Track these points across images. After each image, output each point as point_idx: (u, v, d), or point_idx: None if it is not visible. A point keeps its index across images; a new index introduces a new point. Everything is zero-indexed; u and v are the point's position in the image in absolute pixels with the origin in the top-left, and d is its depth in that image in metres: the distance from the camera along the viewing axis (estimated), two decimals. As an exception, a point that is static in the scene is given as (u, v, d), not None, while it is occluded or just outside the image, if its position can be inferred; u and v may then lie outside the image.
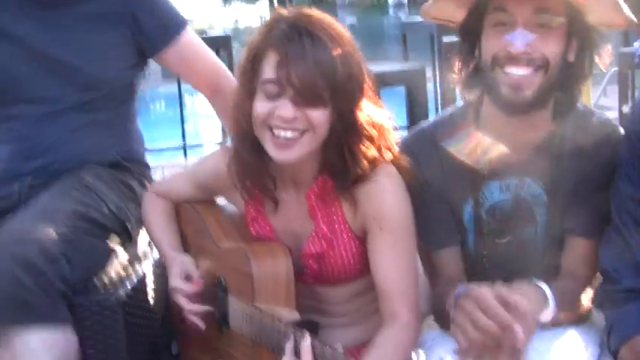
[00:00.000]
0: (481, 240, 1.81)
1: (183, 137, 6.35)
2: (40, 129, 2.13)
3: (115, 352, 1.90)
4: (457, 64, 1.76)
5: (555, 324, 1.63)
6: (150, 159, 2.44)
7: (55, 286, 1.79)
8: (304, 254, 1.74)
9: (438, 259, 1.83)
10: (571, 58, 1.68)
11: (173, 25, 2.26)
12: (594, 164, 1.72)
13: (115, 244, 2.07)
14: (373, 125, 1.66)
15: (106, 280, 1.93)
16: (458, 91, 1.81)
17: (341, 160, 1.65)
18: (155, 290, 2.08)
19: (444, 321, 1.69)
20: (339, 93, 1.57)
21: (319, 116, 1.58)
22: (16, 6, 2.13)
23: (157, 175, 2.56)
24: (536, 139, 1.75)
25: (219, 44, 5.85)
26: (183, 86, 5.89)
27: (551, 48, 1.62)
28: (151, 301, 2.06)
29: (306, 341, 1.50)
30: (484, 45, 1.68)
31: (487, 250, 1.81)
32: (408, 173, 1.72)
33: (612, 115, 4.77)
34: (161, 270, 2.02)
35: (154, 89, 8.02)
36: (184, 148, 6.34)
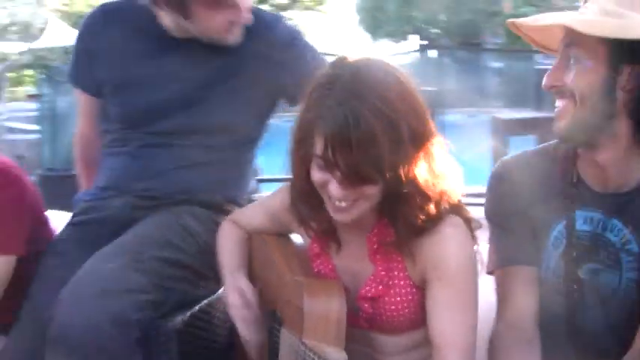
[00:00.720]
0: (563, 263, 1.75)
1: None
2: (154, 155, 2.22)
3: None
4: None
5: None
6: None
7: (136, 335, 1.83)
8: (360, 296, 1.72)
9: (510, 277, 1.77)
10: (628, 86, 1.58)
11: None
12: None
13: (203, 288, 2.11)
14: (433, 183, 1.62)
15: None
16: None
17: (399, 213, 1.63)
18: (219, 320, 2.09)
19: None
20: (389, 170, 1.54)
21: (369, 189, 1.57)
22: (157, 45, 2.22)
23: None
24: (634, 179, 1.68)
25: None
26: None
27: (577, 79, 1.59)
28: (213, 331, 2.08)
29: None
30: None
31: (566, 275, 1.74)
32: (470, 222, 1.68)
33: None
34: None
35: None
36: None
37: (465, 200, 1.70)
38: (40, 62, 12.07)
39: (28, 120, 11.46)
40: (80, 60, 2.35)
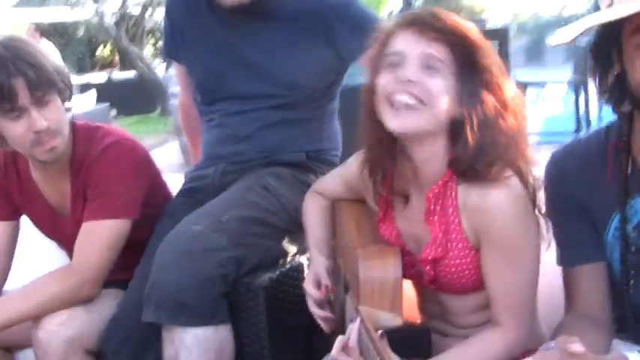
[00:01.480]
0: (627, 258, 1.68)
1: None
2: (237, 120, 2.36)
3: (257, 333, 2.04)
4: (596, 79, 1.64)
5: None
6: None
7: (219, 289, 1.98)
8: (421, 259, 1.74)
9: (576, 276, 1.74)
10: None
11: (368, 30, 2.32)
12: None
13: (288, 243, 2.22)
14: (511, 116, 1.63)
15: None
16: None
17: (470, 154, 1.62)
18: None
19: None
20: (464, 65, 1.58)
21: (438, 86, 1.59)
22: (220, 14, 2.34)
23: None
24: None
25: (496, 36, 5.79)
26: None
27: None
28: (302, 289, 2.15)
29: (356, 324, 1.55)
30: (630, 68, 1.52)
31: (634, 270, 1.68)
32: (533, 187, 1.67)
33: None
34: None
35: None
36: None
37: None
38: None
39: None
40: (167, 33, 2.53)
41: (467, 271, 1.70)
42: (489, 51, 1.63)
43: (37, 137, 2.09)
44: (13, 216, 2.38)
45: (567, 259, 1.76)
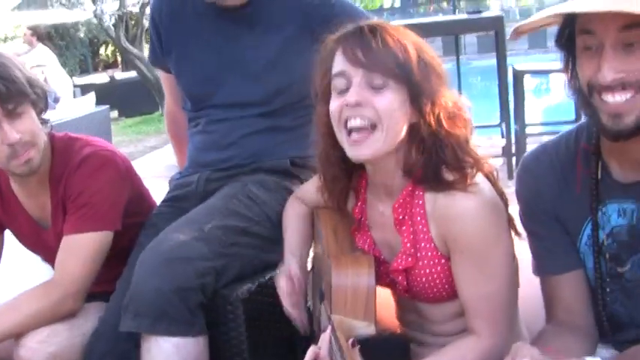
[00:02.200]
0: (601, 266, 1.66)
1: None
2: (223, 127, 2.34)
3: (238, 345, 2.03)
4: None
5: None
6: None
7: (197, 299, 1.96)
8: (393, 269, 1.72)
9: (554, 286, 1.71)
10: None
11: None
12: None
13: (271, 252, 2.16)
14: (461, 121, 1.63)
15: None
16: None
17: (425, 165, 1.62)
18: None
19: None
20: (412, 74, 1.57)
21: (386, 103, 1.57)
22: (211, 21, 2.32)
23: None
24: None
25: (491, 26, 5.74)
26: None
27: None
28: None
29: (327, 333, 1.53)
30: (578, 69, 1.50)
31: (609, 278, 1.66)
32: (501, 191, 1.66)
33: None
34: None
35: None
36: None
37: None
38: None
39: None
40: (153, 40, 2.51)
41: (438, 280, 1.68)
42: (430, 60, 1.61)
43: (12, 150, 2.08)
44: None
45: (544, 268, 1.73)
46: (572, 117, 6.39)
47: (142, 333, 1.94)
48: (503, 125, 5.91)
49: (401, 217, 1.69)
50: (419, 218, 1.66)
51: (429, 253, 1.67)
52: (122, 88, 13.38)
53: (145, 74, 11.57)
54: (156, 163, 8.05)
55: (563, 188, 1.67)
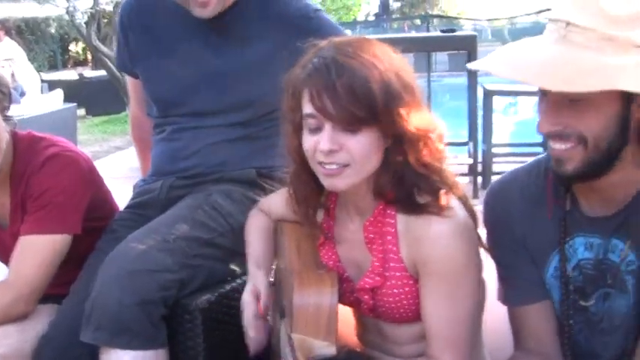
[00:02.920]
0: (567, 299, 1.65)
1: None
2: (189, 136, 2.30)
3: (194, 356, 1.99)
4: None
5: None
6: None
7: (160, 312, 1.92)
8: (359, 288, 1.70)
9: (523, 316, 1.71)
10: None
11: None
12: None
13: (235, 264, 2.15)
14: (430, 146, 1.60)
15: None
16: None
17: (397, 187, 1.60)
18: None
19: None
20: (381, 114, 1.52)
21: (361, 147, 1.54)
22: (182, 28, 2.28)
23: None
24: (627, 196, 1.54)
25: (464, 45, 5.77)
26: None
27: (586, 123, 1.42)
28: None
29: None
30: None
31: (573, 310, 1.65)
32: (473, 212, 1.64)
33: None
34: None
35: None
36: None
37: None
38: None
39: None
40: (121, 45, 2.46)
41: (405, 301, 1.66)
42: (401, 89, 1.55)
43: None
44: None
45: (512, 298, 1.72)
46: (540, 139, 6.46)
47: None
48: (471, 144, 5.94)
49: (372, 235, 1.67)
50: (389, 237, 1.65)
51: (398, 274, 1.65)
52: (91, 86, 13.25)
53: (114, 73, 11.47)
54: (120, 164, 7.98)
55: (532, 218, 1.66)
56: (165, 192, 2.30)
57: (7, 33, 10.51)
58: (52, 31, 18.35)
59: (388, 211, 1.65)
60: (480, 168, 5.88)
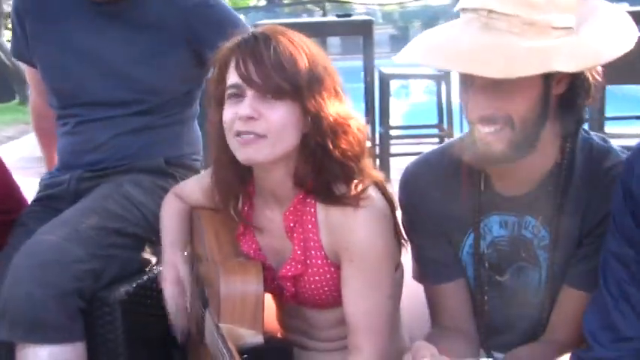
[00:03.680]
0: (481, 274, 1.73)
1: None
2: (94, 127, 2.26)
3: (114, 349, 1.97)
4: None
5: None
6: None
7: (76, 304, 1.88)
8: (281, 275, 1.71)
9: (439, 295, 1.76)
10: (559, 90, 1.53)
11: (232, 36, 2.26)
12: (600, 208, 1.56)
13: (148, 253, 2.13)
14: (348, 131, 1.62)
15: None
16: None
17: (316, 177, 1.62)
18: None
19: None
20: (303, 89, 1.56)
21: (279, 118, 1.56)
22: (78, 16, 2.23)
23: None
24: (537, 175, 1.62)
25: (360, 30, 5.83)
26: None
27: (513, 105, 1.49)
28: (160, 301, 2.09)
29: None
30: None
31: (488, 286, 1.73)
32: (391, 200, 1.68)
33: None
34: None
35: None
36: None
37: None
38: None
39: None
40: (17, 33, 2.39)
41: (327, 288, 1.69)
42: (323, 73, 1.60)
43: None
44: None
45: (428, 277, 1.77)
46: (435, 121, 6.62)
47: None
48: (369, 127, 6.02)
49: (292, 224, 1.68)
50: (310, 226, 1.66)
51: (319, 261, 1.67)
52: (-23, 74, 12.68)
53: (2, 61, 11.06)
54: (11, 154, 7.69)
55: (447, 199, 1.71)
56: (74, 184, 2.25)
57: None
58: None
59: (308, 200, 1.67)
60: (377, 150, 5.97)
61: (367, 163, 1.69)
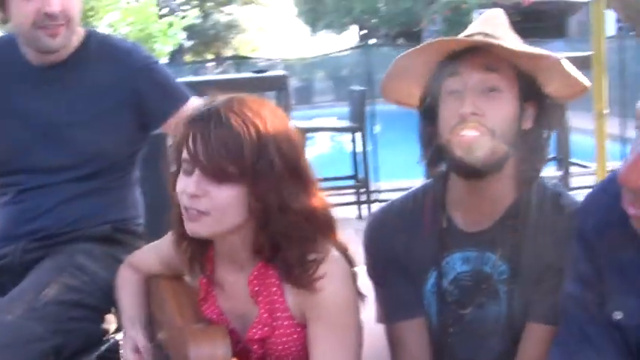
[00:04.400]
0: (444, 310, 1.80)
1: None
2: (36, 196, 2.22)
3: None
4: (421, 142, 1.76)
5: None
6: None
7: None
8: (248, 339, 1.73)
9: (400, 332, 1.82)
10: (527, 125, 1.66)
11: (175, 100, 2.29)
12: (556, 246, 1.66)
13: (106, 322, 2.12)
14: (308, 215, 1.64)
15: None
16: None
17: (274, 248, 1.65)
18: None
19: None
20: (249, 174, 1.57)
21: (223, 199, 1.58)
22: (20, 80, 2.22)
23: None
24: (498, 212, 1.73)
25: (275, 86, 5.91)
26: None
27: (499, 112, 1.62)
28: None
29: None
30: (442, 117, 1.67)
31: (451, 320, 1.80)
32: (351, 260, 1.71)
33: None
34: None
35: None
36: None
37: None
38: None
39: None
40: None
41: (294, 347, 1.71)
42: (274, 153, 1.59)
43: None
44: None
45: (391, 316, 1.84)
46: (351, 172, 6.75)
47: None
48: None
49: (256, 288, 1.70)
50: (275, 289, 1.69)
51: (286, 322, 1.69)
52: None
53: None
54: None
55: (410, 239, 1.80)
56: (18, 257, 2.20)
57: None
58: None
59: (270, 266, 1.69)
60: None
61: (329, 227, 1.71)
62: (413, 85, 1.76)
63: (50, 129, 2.19)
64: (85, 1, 2.03)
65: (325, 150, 11.61)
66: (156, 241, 2.04)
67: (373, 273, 1.87)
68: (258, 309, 1.71)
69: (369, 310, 1.83)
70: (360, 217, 6.32)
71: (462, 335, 1.79)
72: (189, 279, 1.86)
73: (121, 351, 2.06)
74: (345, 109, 7.36)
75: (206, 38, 20.23)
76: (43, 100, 2.20)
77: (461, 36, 1.71)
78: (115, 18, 12.95)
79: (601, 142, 3.29)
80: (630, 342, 1.49)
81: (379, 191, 7.06)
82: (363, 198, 6.43)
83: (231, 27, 21.06)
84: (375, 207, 6.68)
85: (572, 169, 6.10)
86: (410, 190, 1.90)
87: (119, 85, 2.22)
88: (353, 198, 6.62)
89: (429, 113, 1.72)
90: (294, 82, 18.97)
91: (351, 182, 6.66)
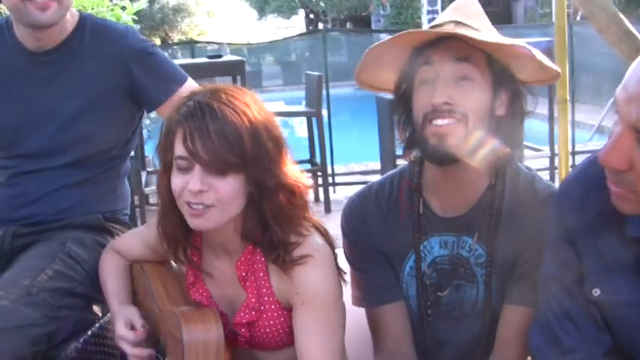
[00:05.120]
0: (423, 293, 1.86)
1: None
2: (29, 182, 2.23)
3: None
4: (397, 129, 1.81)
5: None
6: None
7: None
8: (236, 322, 1.78)
9: (381, 316, 1.88)
10: (500, 112, 1.71)
11: (171, 83, 2.29)
12: (532, 229, 1.73)
13: (95, 310, 2.15)
14: (294, 193, 1.70)
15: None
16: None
17: (263, 231, 1.70)
18: (112, 342, 2.09)
19: None
20: (249, 161, 1.61)
21: (228, 189, 1.62)
22: (18, 66, 2.21)
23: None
24: (473, 197, 1.78)
25: (233, 71, 5.90)
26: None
27: (471, 100, 1.65)
28: (107, 354, 2.11)
29: None
30: (415, 105, 1.72)
31: (430, 302, 1.86)
32: (332, 243, 1.77)
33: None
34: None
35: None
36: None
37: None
38: None
39: None
40: None
41: (281, 331, 1.77)
42: (267, 139, 1.65)
43: None
44: None
45: (369, 300, 1.90)
46: (307, 157, 6.78)
47: None
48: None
49: (244, 273, 1.75)
50: (261, 274, 1.74)
51: (272, 306, 1.74)
52: None
53: None
54: None
55: (388, 224, 1.86)
56: (8, 241, 2.21)
57: None
58: None
59: (257, 250, 1.74)
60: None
61: (311, 214, 1.77)
62: (387, 71, 1.80)
63: (45, 113, 2.19)
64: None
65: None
66: (140, 227, 2.08)
67: (351, 258, 1.92)
68: (246, 293, 1.76)
69: (346, 293, 1.89)
70: (317, 199, 6.37)
71: (441, 317, 1.86)
72: (175, 265, 1.90)
73: (107, 333, 2.10)
74: (293, 93, 7.34)
75: (153, 22, 19.94)
76: (38, 85, 2.20)
77: (433, 23, 1.75)
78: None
79: (564, 128, 3.38)
80: (607, 317, 1.57)
81: (336, 174, 7.15)
82: (320, 181, 6.47)
83: (178, 11, 20.80)
84: (332, 190, 6.80)
85: (526, 152, 6.23)
86: (386, 175, 1.96)
87: (114, 69, 2.22)
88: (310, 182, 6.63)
89: (403, 100, 1.77)
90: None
91: (307, 166, 6.68)
